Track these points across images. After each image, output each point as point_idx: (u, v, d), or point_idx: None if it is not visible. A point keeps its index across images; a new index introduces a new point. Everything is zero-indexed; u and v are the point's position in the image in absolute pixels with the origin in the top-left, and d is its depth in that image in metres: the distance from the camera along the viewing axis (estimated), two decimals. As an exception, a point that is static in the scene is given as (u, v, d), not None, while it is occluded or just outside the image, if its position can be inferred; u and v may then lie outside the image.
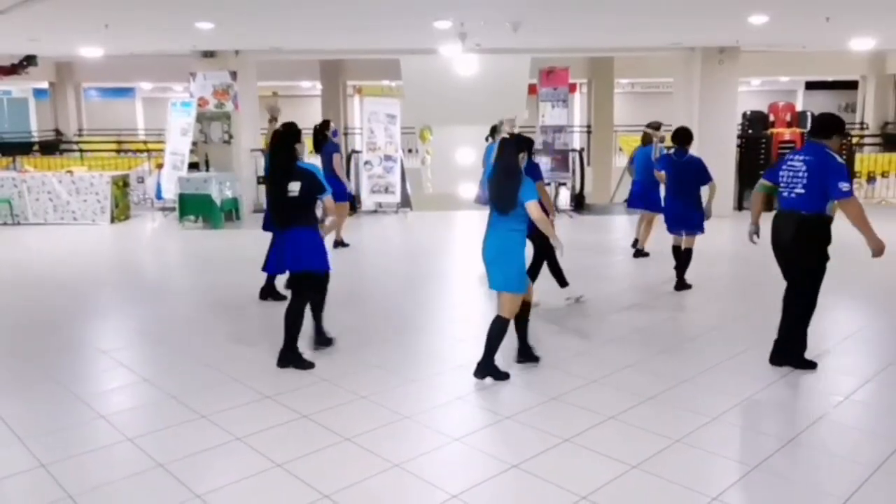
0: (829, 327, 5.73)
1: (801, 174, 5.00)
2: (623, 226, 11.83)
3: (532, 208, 4.69)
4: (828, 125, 5.10)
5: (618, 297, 7.30)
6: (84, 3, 8.15)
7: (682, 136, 7.46)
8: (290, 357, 5.21)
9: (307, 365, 5.19)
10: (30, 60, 12.14)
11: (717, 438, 4.07)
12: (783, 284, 5.35)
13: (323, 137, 9.01)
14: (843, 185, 4.77)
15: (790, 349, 5.19)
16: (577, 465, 3.76)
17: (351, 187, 10.70)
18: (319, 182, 5.14)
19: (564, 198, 13.53)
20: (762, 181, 5.41)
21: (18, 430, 4.21)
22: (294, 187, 5.09)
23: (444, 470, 3.78)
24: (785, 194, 5.12)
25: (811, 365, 5.19)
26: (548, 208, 6.55)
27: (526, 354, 5.29)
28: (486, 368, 4.92)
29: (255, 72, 13.43)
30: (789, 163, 5.13)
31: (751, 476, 3.63)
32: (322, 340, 5.63)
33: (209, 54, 12.54)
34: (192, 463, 3.81)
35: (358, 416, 4.36)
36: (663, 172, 7.72)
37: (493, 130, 9.54)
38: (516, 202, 4.71)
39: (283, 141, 5.23)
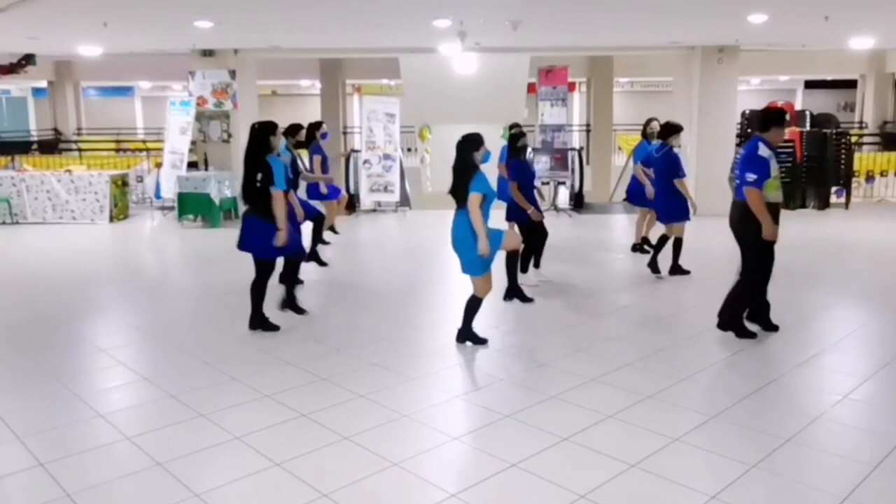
0: (827, 326, 5.73)
1: (738, 165, 5.42)
2: (622, 224, 11.83)
3: (471, 200, 5.16)
4: (765, 119, 5.44)
5: (617, 295, 7.30)
6: (83, 1, 8.14)
7: (666, 130, 7.70)
8: (255, 320, 5.99)
9: (271, 327, 5.98)
10: (29, 59, 12.13)
11: (716, 437, 4.07)
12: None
13: (311, 137, 9.09)
14: (749, 176, 5.19)
15: (730, 318, 5.61)
16: (576, 464, 3.76)
17: (339, 184, 10.68)
18: (273, 175, 5.62)
19: (564, 196, 13.52)
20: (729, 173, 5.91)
21: (17, 428, 4.21)
22: (259, 177, 5.64)
23: (443, 469, 3.78)
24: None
25: (751, 335, 5.61)
26: (524, 207, 7.06)
27: (466, 334, 5.62)
28: (465, 334, 5.59)
29: (254, 70, 13.42)
30: (738, 155, 5.59)
31: (749, 474, 3.63)
32: (287, 304, 6.36)
33: (208, 53, 12.53)
34: (191, 462, 3.81)
35: (356, 415, 4.36)
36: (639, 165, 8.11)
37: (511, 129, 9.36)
38: (468, 195, 5.20)
39: (258, 135, 5.75)
